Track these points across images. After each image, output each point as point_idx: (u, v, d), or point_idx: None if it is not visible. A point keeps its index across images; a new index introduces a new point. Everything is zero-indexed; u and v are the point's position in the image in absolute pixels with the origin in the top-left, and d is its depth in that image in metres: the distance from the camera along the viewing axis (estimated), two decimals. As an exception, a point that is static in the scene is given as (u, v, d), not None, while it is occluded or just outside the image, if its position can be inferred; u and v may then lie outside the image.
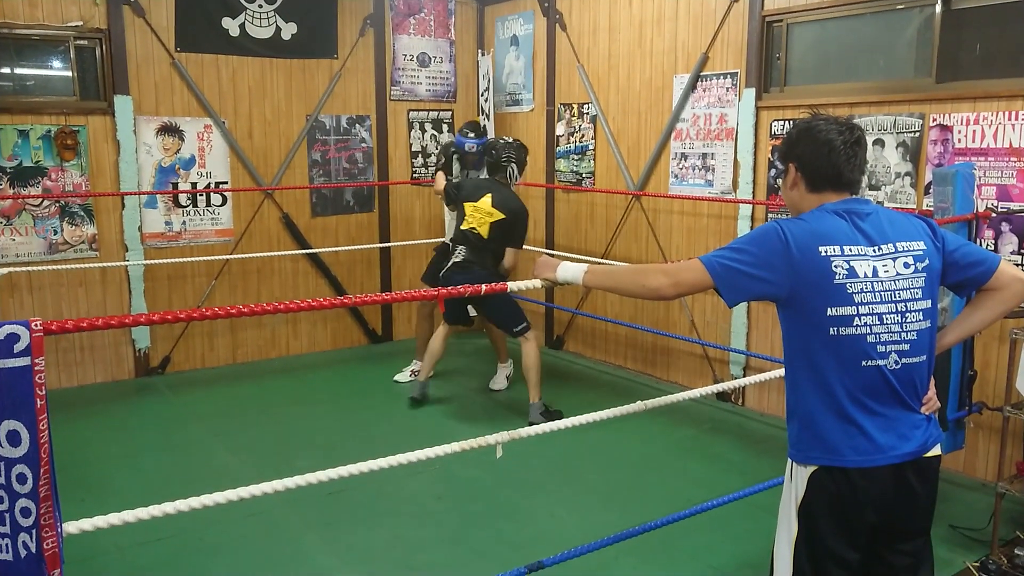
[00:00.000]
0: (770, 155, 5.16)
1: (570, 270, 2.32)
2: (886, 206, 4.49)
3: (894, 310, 1.98)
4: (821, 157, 2.06)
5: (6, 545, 1.57)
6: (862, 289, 1.97)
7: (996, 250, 4.13)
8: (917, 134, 4.43)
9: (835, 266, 1.96)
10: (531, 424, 5.02)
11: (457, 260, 5.24)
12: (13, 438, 1.55)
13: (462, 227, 5.25)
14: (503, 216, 5.17)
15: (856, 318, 1.96)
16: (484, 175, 5.62)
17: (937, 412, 2.13)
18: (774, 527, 2.18)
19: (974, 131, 4.20)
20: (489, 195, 5.22)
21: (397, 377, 6.05)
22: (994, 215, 4.04)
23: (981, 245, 3.95)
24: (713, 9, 5.45)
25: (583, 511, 4.04)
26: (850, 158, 2.06)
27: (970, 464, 4.37)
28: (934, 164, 4.35)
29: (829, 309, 1.97)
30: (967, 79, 4.27)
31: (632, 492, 4.27)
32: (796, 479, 2.08)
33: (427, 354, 5.49)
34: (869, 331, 1.97)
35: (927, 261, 2.03)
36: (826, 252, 1.97)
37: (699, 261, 2.05)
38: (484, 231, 5.17)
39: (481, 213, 5.19)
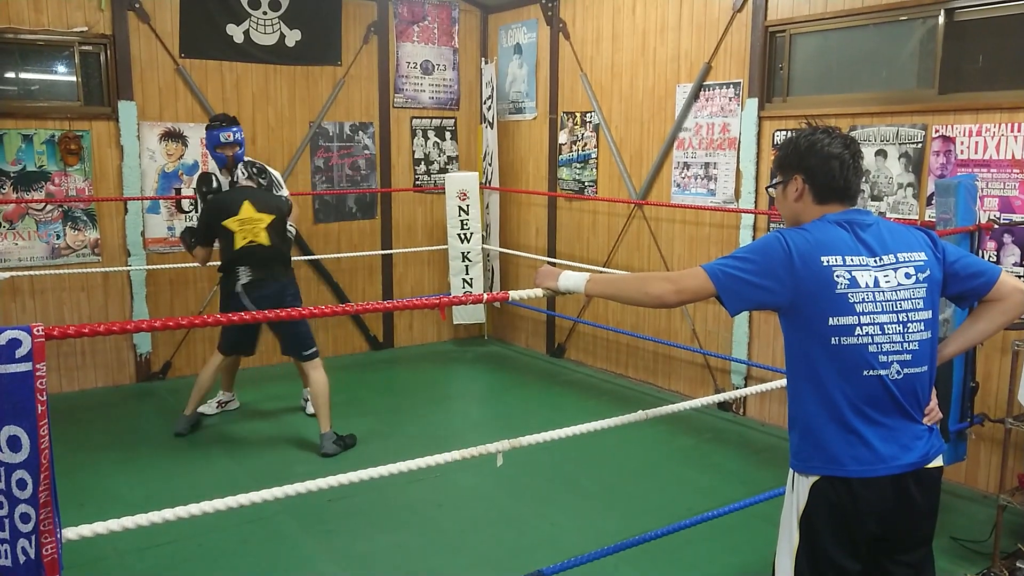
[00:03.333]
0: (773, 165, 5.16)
1: (572, 279, 2.32)
2: (888, 217, 4.50)
3: (895, 320, 1.99)
4: (832, 170, 2.08)
5: (5, 551, 1.57)
6: (863, 299, 1.97)
7: (998, 262, 4.13)
8: (919, 145, 4.44)
9: (837, 276, 1.97)
10: (325, 455, 4.73)
11: (245, 282, 4.70)
12: (13, 443, 1.55)
13: (236, 247, 4.66)
14: (273, 216, 4.73)
15: (857, 328, 1.97)
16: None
17: (939, 423, 2.13)
18: (774, 537, 2.17)
19: (976, 142, 4.20)
20: (246, 201, 4.70)
21: (202, 409, 5.34)
22: (996, 227, 4.04)
23: (983, 257, 3.95)
24: (716, 19, 5.46)
25: (583, 519, 4.03)
26: (856, 170, 2.10)
27: (971, 476, 4.36)
28: (936, 175, 4.35)
29: (830, 319, 1.97)
30: (970, 90, 4.28)
31: (632, 501, 4.26)
32: (798, 489, 2.08)
33: (196, 387, 5.05)
34: (871, 341, 1.97)
35: (928, 272, 2.04)
36: (828, 262, 1.98)
37: (702, 269, 2.06)
38: (264, 239, 4.68)
39: (251, 223, 4.67)
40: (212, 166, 5.31)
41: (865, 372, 1.98)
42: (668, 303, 2.11)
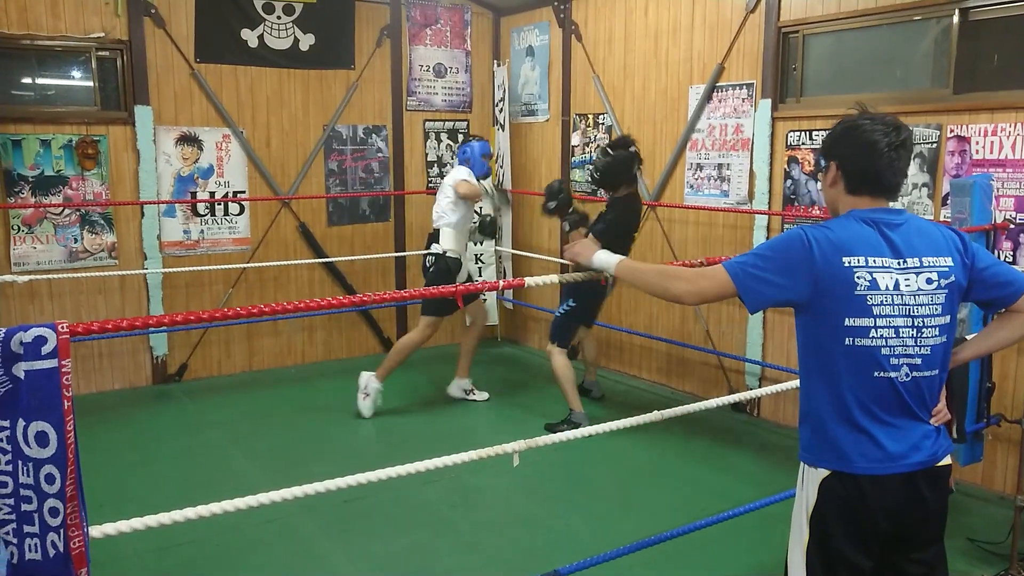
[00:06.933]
0: (786, 166, 5.16)
1: (604, 258, 2.37)
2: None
3: (911, 324, 1.98)
4: (863, 158, 2.03)
5: (35, 544, 1.59)
6: (882, 301, 1.96)
7: (1014, 262, 4.11)
8: (934, 145, 4.42)
9: (857, 277, 1.96)
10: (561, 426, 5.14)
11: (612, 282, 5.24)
12: (41, 439, 1.58)
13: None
14: None
15: (873, 330, 1.96)
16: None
17: (949, 424, 2.13)
18: (789, 537, 2.17)
19: (992, 142, 4.18)
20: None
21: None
22: (1012, 226, 4.03)
23: (999, 256, 3.93)
24: (729, 19, 5.46)
25: (598, 520, 4.03)
26: (893, 161, 2.02)
27: (988, 477, 4.34)
28: (952, 175, 4.33)
29: (847, 319, 1.97)
30: (985, 90, 4.26)
31: (647, 502, 4.26)
32: (807, 484, 2.09)
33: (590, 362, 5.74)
34: (884, 343, 1.97)
35: (952, 278, 2.01)
36: (849, 263, 1.96)
37: (723, 268, 2.06)
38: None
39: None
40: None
41: (876, 374, 1.98)
42: (686, 303, 2.14)
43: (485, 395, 5.88)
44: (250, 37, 6.30)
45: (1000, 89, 4.20)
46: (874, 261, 1.97)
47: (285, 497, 2.28)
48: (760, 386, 5.48)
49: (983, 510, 4.11)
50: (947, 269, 2.01)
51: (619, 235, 4.94)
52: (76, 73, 5.82)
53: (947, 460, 2.08)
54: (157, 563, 3.57)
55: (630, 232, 5.14)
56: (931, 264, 2.00)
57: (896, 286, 1.97)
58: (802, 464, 2.12)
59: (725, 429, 5.31)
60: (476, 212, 5.87)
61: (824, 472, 2.04)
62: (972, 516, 4.01)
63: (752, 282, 2.03)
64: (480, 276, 7.07)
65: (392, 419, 5.47)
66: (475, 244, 6.27)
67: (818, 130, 4.97)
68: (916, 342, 1.98)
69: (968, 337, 2.63)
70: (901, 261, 1.99)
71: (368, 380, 5.44)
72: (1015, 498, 3.53)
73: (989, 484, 4.33)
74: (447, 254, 5.47)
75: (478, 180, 5.59)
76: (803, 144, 5.06)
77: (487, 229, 5.96)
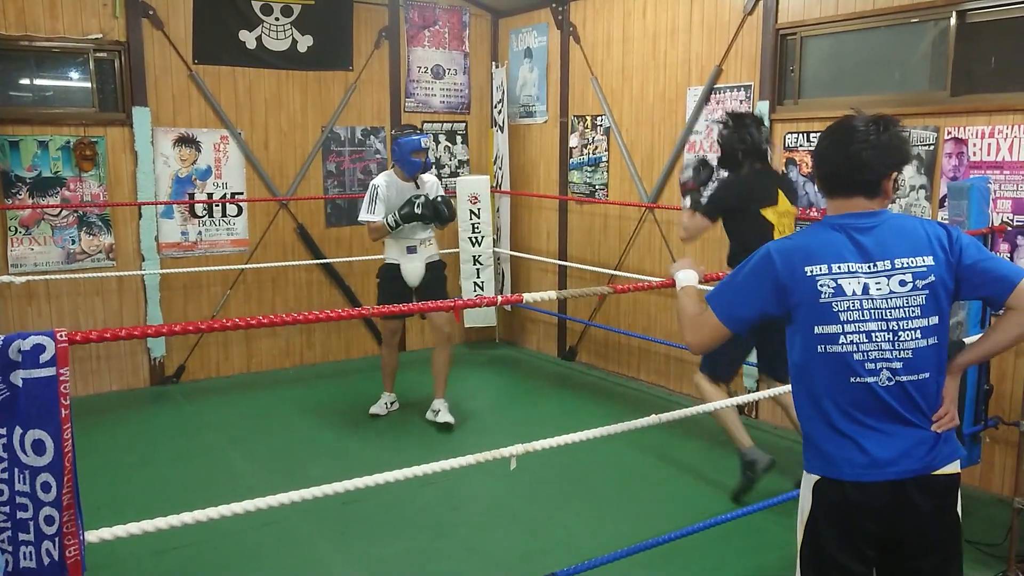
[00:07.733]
0: (784, 167, 5.16)
1: (680, 275, 2.47)
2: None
3: (884, 328, 1.95)
4: (827, 159, 2.06)
5: (30, 552, 1.59)
6: (848, 307, 1.95)
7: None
8: (932, 147, 4.43)
9: (821, 285, 1.96)
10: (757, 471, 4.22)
11: None
12: (38, 447, 1.58)
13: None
14: (794, 209, 4.24)
15: (841, 336, 1.96)
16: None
17: (957, 430, 2.10)
18: (787, 540, 2.20)
19: (989, 144, 4.19)
20: (779, 190, 4.14)
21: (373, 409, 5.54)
22: (1010, 229, 4.03)
23: (997, 259, 3.92)
24: (727, 21, 5.46)
25: (596, 523, 4.04)
26: (857, 157, 1.97)
27: (986, 479, 4.35)
28: (949, 177, 4.34)
29: (815, 327, 1.98)
30: (982, 92, 4.27)
31: (645, 504, 4.26)
32: (804, 488, 2.12)
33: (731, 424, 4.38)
34: (856, 349, 1.95)
35: (931, 277, 1.96)
36: (812, 271, 1.98)
37: (710, 308, 2.14)
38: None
39: (788, 217, 4.15)
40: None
41: (852, 379, 1.97)
42: (695, 353, 2.42)
43: (447, 418, 5.31)
44: (248, 38, 6.30)
45: (997, 91, 4.20)
46: (838, 267, 1.97)
47: (283, 501, 2.28)
48: (758, 389, 5.48)
49: (981, 512, 4.10)
50: (924, 269, 1.96)
51: (714, 213, 4.18)
52: (74, 74, 5.82)
53: (952, 468, 2.03)
54: (154, 566, 3.57)
55: (731, 212, 4.18)
56: (905, 265, 1.96)
57: (865, 291, 1.95)
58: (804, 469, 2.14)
59: (724, 431, 5.30)
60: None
61: (815, 477, 2.06)
62: (970, 518, 3.96)
63: (729, 308, 2.11)
64: (479, 276, 7.06)
65: (391, 421, 5.47)
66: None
67: (816, 132, 4.97)
68: (893, 346, 1.95)
69: (967, 340, 2.63)
70: (871, 265, 1.97)
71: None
72: (1013, 500, 3.53)
73: (987, 486, 4.34)
74: (386, 260, 5.34)
75: (411, 179, 5.16)
76: (801, 146, 5.06)
77: (414, 216, 5.03)
